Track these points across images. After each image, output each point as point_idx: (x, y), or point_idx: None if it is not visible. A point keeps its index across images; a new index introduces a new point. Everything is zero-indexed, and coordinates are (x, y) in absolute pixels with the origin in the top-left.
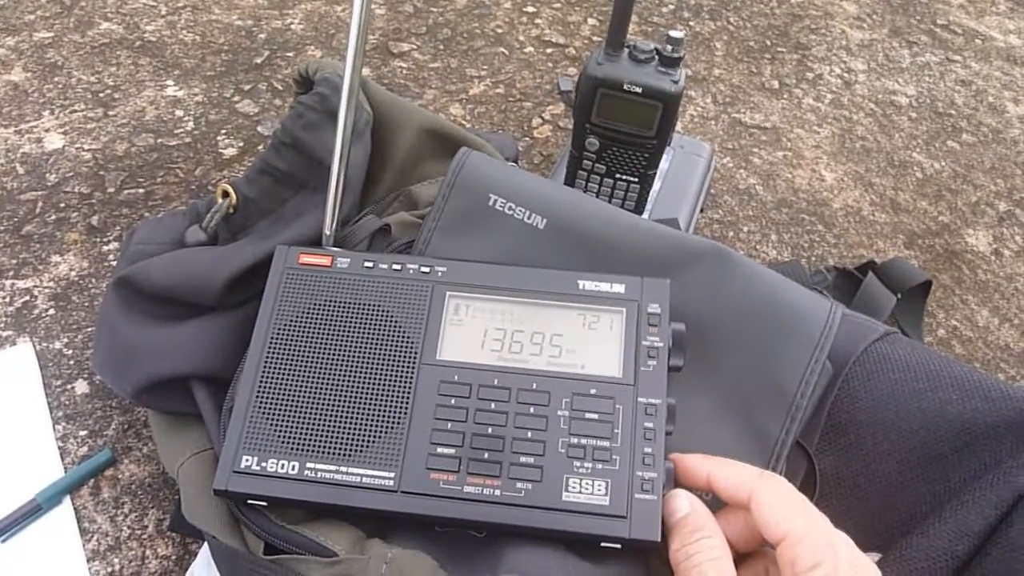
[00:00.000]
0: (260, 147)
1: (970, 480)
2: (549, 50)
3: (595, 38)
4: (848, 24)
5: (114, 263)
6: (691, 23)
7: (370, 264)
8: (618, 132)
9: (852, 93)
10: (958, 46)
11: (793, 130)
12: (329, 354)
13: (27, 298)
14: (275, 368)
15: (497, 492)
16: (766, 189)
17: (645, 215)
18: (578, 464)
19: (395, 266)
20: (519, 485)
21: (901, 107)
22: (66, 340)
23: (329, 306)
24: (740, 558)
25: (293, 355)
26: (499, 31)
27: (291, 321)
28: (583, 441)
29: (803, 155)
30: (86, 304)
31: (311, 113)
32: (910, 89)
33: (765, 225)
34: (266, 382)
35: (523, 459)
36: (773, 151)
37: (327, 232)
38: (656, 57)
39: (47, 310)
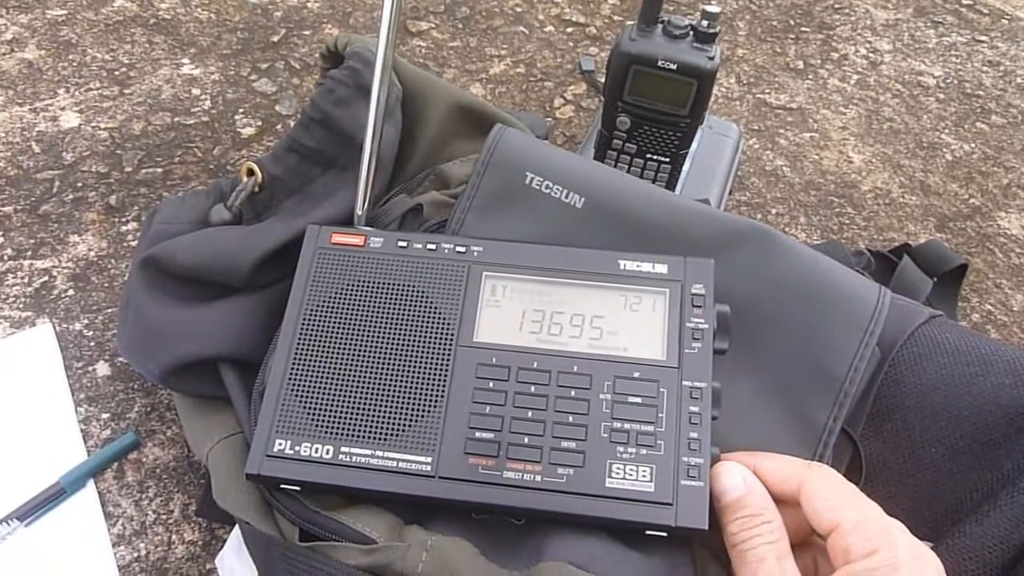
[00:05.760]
0: (279, 126)
1: None
2: (569, 29)
3: (616, 17)
4: (872, 4)
5: (133, 243)
6: (712, 1)
7: (404, 244)
8: (650, 110)
9: (878, 74)
10: (984, 26)
11: (819, 111)
12: (363, 336)
13: (46, 279)
14: (308, 350)
15: (538, 478)
16: (793, 171)
17: None
18: (621, 449)
19: (430, 246)
20: (560, 471)
21: (928, 88)
22: (86, 321)
23: (363, 287)
24: None
25: (326, 337)
26: (518, 10)
27: (324, 302)
28: (626, 426)
29: (830, 136)
30: (105, 285)
31: (342, 88)
32: (937, 70)
33: (793, 207)
34: (299, 364)
35: (564, 444)
36: (799, 132)
37: (359, 212)
38: (691, 33)
39: (66, 291)
